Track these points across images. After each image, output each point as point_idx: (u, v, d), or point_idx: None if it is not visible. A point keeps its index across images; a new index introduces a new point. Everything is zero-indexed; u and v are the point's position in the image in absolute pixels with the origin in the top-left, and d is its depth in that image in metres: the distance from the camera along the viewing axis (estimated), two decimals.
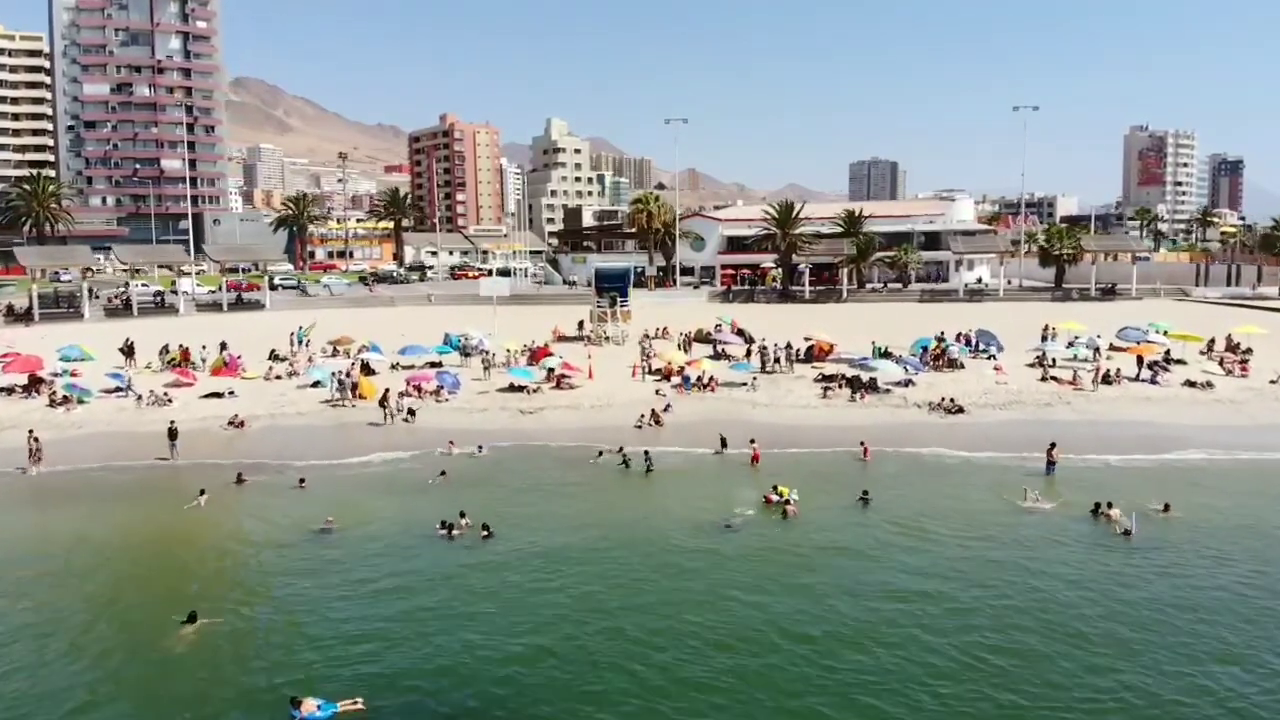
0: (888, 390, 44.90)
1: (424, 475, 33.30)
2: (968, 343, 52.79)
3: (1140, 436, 37.57)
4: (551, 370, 46.88)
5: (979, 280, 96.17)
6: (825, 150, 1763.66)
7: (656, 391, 45.07)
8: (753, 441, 34.88)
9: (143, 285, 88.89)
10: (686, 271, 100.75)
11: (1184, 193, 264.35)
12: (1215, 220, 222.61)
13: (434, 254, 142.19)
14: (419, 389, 44.64)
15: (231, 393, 45.39)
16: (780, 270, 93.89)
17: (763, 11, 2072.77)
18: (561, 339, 62.36)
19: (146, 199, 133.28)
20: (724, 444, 35.43)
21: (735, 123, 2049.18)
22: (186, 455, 35.78)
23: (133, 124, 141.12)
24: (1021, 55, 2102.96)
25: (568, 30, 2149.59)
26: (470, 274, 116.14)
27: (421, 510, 28.99)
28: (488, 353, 53.50)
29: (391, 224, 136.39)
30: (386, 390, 42.69)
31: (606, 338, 61.33)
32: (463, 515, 27.24)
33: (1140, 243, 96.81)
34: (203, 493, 30.44)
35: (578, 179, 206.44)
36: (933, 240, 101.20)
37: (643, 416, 39.83)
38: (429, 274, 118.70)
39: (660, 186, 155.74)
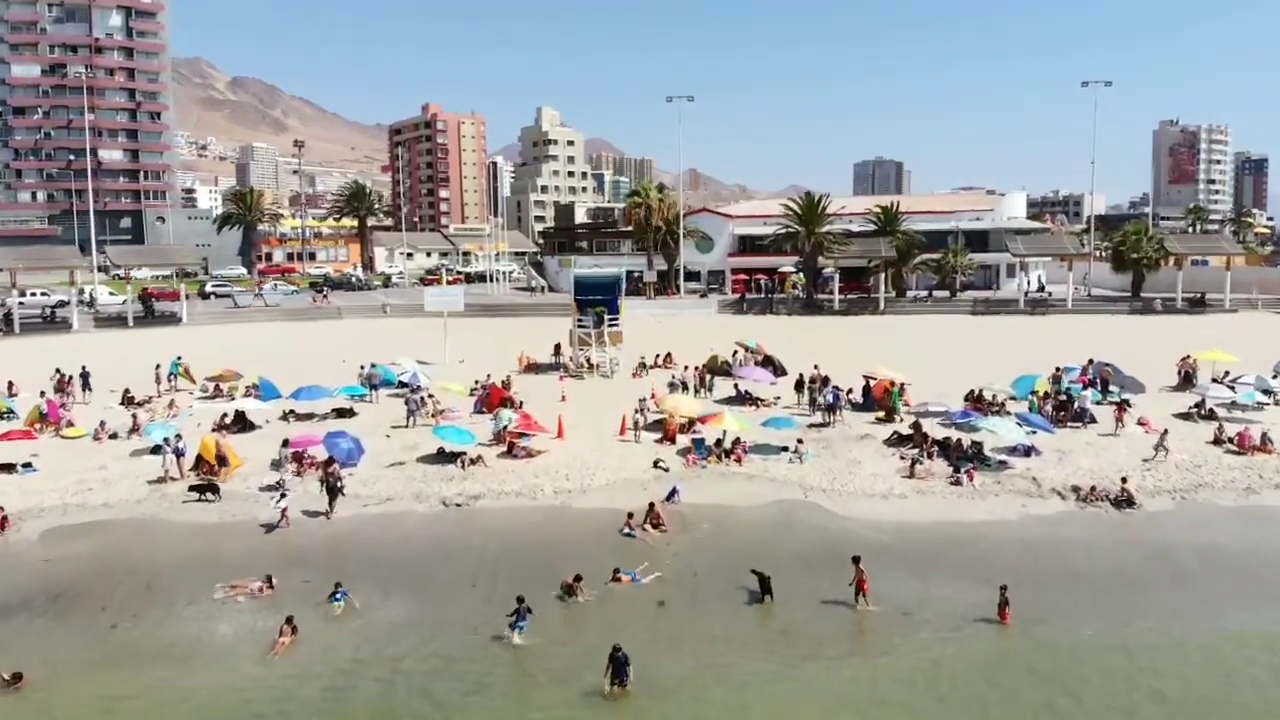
0: (1002, 462, 29.95)
1: (247, 648, 18.52)
2: (1101, 384, 37.63)
3: None
4: (504, 429, 31.93)
5: (1041, 288, 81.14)
6: (828, 151, 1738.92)
7: (655, 463, 30.11)
8: (857, 561, 20.13)
9: (40, 294, 74.25)
10: (691, 276, 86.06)
11: (1217, 191, 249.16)
12: (1250, 220, 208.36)
13: (409, 255, 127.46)
14: (299, 458, 29.80)
15: (28, 464, 30.59)
16: (802, 275, 79.26)
17: (765, 11, 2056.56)
18: (530, 368, 47.62)
19: (82, 194, 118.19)
20: (765, 588, 20.33)
21: (737, 124, 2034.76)
22: None
23: (67, 110, 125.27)
24: (1026, 52, 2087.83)
25: (567, 27, 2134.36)
26: (444, 279, 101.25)
27: None
28: (421, 391, 38.71)
29: (356, 222, 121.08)
30: (331, 466, 27.45)
31: (590, 367, 46.48)
32: None
33: (1234, 244, 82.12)
34: None
35: (570, 173, 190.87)
36: (979, 240, 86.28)
37: (630, 519, 24.75)
38: (394, 279, 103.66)
39: (661, 186, 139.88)
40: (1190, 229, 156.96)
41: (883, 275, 75.77)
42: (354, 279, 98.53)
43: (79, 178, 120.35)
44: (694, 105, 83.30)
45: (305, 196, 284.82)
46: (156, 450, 31.13)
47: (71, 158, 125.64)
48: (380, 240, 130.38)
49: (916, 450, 30.71)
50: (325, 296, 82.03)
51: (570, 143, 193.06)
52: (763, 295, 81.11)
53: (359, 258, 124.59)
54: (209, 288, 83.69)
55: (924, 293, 79.67)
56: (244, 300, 77.60)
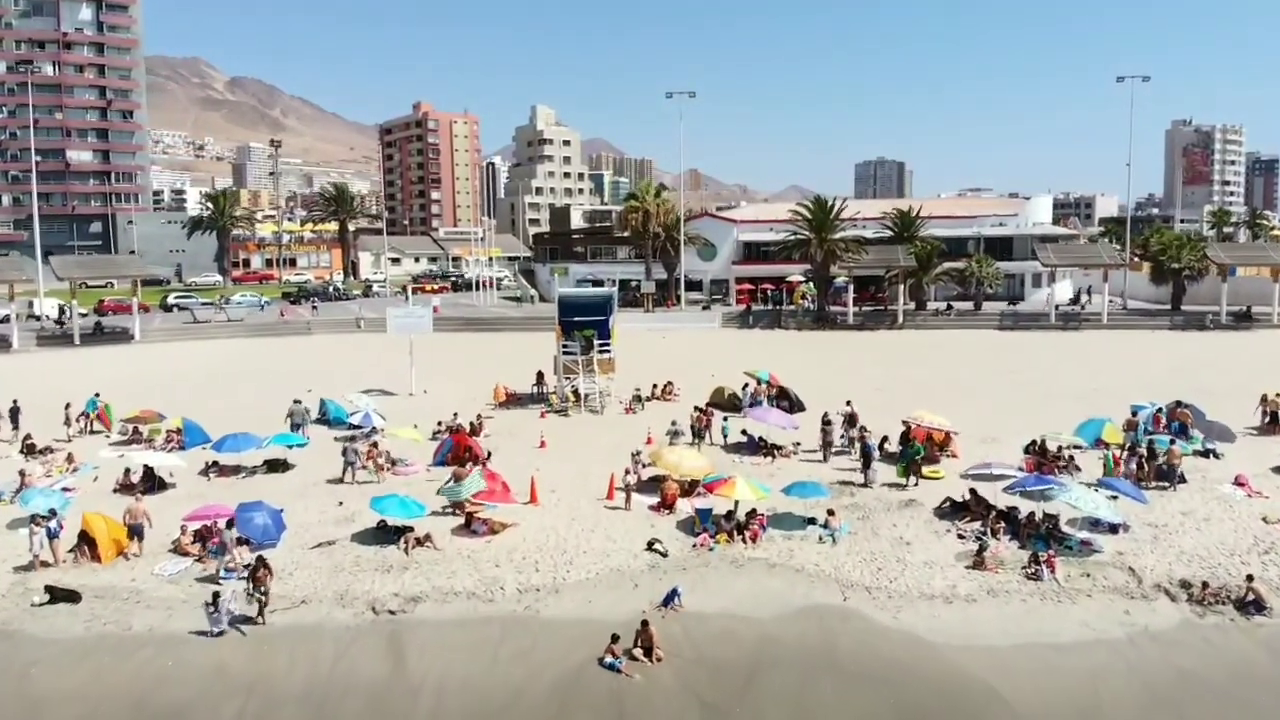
0: (1085, 543, 23.83)
1: None
2: (1180, 431, 31.54)
3: None
4: (459, 504, 25.76)
5: (1074, 300, 74.90)
6: (829, 151, 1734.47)
7: (650, 544, 23.94)
8: None
9: None
10: (693, 286, 80.00)
11: (1232, 192, 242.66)
12: (1265, 222, 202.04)
13: (395, 260, 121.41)
14: (202, 539, 23.73)
15: None
16: (812, 285, 73.34)
17: (765, 10, 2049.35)
18: (509, 401, 41.53)
19: (50, 197, 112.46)
20: None
21: (738, 124, 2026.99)
22: None
23: (34, 109, 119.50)
24: (1030, 53, 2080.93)
25: (569, 29, 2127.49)
26: (429, 287, 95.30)
27: None
28: (375, 435, 32.80)
29: (336, 226, 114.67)
30: (258, 563, 20.33)
31: (576, 400, 40.31)
32: None
33: None
34: None
35: (566, 174, 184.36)
36: (1002, 247, 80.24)
37: (615, 644, 18.51)
38: (375, 288, 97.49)
39: (662, 188, 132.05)
40: (1215, 232, 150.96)
41: (901, 286, 69.71)
42: (332, 288, 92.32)
43: (47, 180, 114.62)
44: (694, 105, 78.44)
45: (301, 198, 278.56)
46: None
47: (39, 159, 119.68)
48: (366, 244, 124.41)
49: (978, 525, 24.66)
50: (314, 308, 76.05)
51: (566, 142, 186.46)
52: (770, 307, 75.25)
53: (342, 263, 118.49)
54: (171, 299, 77.48)
55: (944, 304, 73.62)
56: (204, 314, 71.31)
